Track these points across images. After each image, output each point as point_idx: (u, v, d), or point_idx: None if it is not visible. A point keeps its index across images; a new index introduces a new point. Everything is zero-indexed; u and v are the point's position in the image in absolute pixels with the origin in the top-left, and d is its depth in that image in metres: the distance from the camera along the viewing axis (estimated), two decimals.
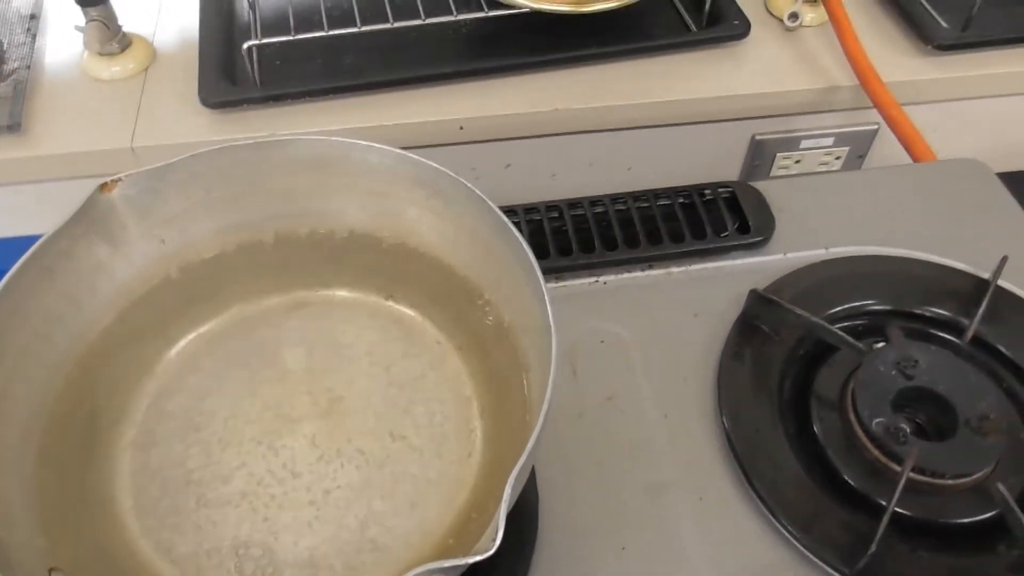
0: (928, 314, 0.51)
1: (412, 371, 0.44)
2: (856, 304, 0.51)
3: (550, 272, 0.53)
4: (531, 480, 0.44)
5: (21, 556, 0.31)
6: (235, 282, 0.45)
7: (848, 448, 0.45)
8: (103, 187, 0.39)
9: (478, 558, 0.29)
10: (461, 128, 0.69)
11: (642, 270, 0.54)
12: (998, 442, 0.43)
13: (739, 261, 0.55)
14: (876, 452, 0.44)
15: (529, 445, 0.31)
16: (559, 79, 0.71)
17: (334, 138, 0.42)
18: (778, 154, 0.77)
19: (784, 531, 0.43)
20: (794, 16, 0.74)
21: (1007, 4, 0.75)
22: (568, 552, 0.43)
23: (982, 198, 0.59)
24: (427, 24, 0.70)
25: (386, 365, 0.44)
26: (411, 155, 0.41)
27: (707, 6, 0.74)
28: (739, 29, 0.73)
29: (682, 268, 0.54)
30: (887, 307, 0.51)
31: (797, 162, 0.77)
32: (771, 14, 0.77)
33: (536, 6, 0.68)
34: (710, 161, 0.77)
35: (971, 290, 0.51)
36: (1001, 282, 0.51)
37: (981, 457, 0.43)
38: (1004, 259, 0.52)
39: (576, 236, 0.54)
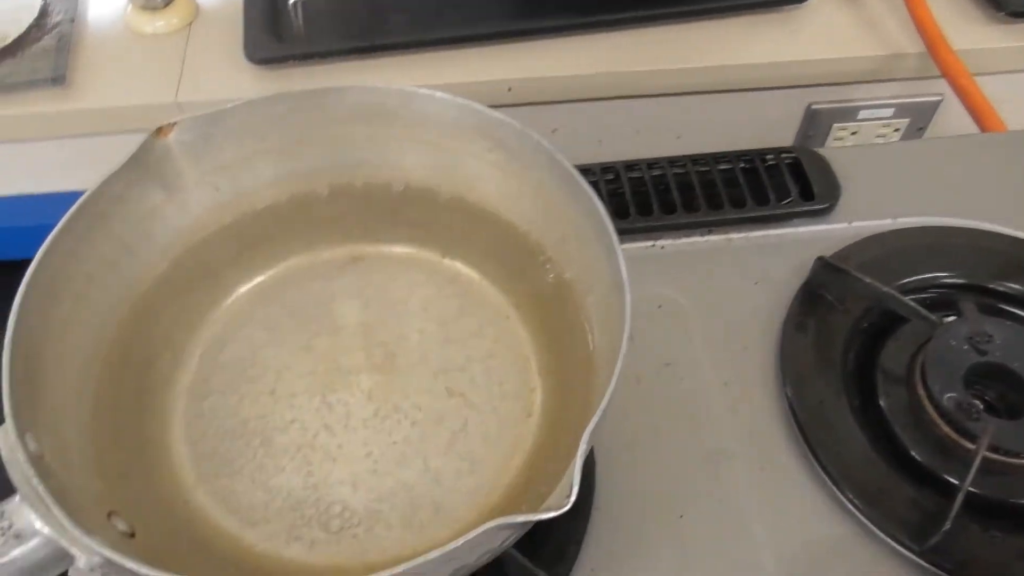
0: (1002, 288, 0.49)
1: (469, 328, 0.42)
2: (926, 276, 0.49)
3: None
4: None
5: (80, 499, 0.31)
6: (289, 234, 0.44)
7: (916, 423, 0.43)
8: (159, 131, 0.38)
9: (552, 514, 0.28)
10: (509, 90, 0.67)
11: (701, 235, 0.53)
12: None
13: (802, 229, 0.53)
14: (947, 428, 0.42)
15: (604, 400, 0.29)
16: (610, 41, 0.69)
17: (393, 86, 0.40)
18: (834, 125, 0.74)
19: (850, 505, 0.41)
20: None
21: None
22: (625, 517, 0.41)
23: None
24: None
25: (442, 322, 0.43)
26: (474, 104, 0.40)
27: None
28: None
29: (742, 234, 0.52)
30: (959, 280, 0.49)
31: (853, 133, 0.75)
32: None
33: None
34: (763, 131, 0.75)
35: None
36: None
37: None
38: None
39: (633, 198, 0.53)
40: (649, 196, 0.53)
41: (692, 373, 0.47)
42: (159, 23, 0.69)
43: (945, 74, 0.64)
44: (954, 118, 0.73)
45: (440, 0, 0.70)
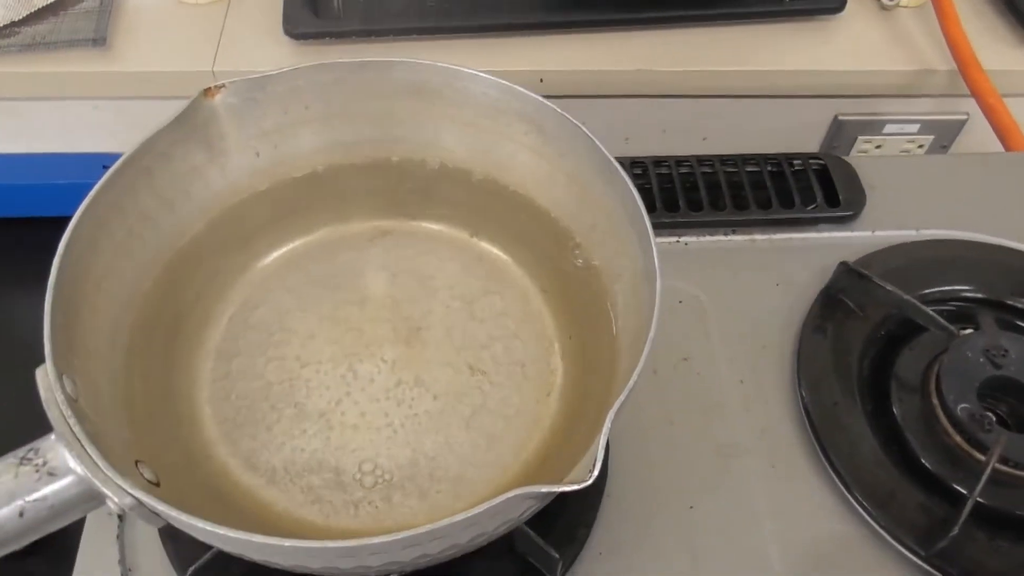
0: (1020, 305, 0.49)
1: (494, 307, 0.43)
2: (947, 288, 0.50)
3: None
4: None
5: (111, 444, 0.31)
6: (323, 204, 0.44)
7: (928, 432, 0.44)
8: (207, 92, 0.39)
9: (575, 487, 0.28)
10: (541, 81, 0.68)
11: (725, 234, 0.53)
12: None
13: (825, 234, 0.53)
14: (958, 438, 0.43)
15: (632, 378, 0.30)
16: (644, 39, 0.70)
17: (439, 63, 0.41)
18: (860, 137, 0.75)
19: (858, 507, 0.42)
20: None
21: None
22: (635, 505, 0.42)
23: None
24: None
25: (468, 300, 0.43)
26: (517, 88, 0.40)
27: None
28: (833, 3, 0.71)
29: (766, 236, 0.53)
30: (979, 294, 0.50)
31: (878, 147, 0.75)
32: None
33: None
34: (788, 138, 0.75)
35: None
36: None
37: None
38: None
39: (660, 194, 0.53)
40: (676, 193, 0.54)
41: (709, 369, 0.47)
42: None
43: (974, 93, 0.65)
44: (978, 138, 0.73)
45: None
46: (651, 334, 0.32)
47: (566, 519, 0.40)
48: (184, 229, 0.40)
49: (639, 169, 0.55)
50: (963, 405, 0.43)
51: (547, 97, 0.70)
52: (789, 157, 0.56)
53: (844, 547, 0.41)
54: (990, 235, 0.52)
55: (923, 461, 0.43)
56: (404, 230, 0.46)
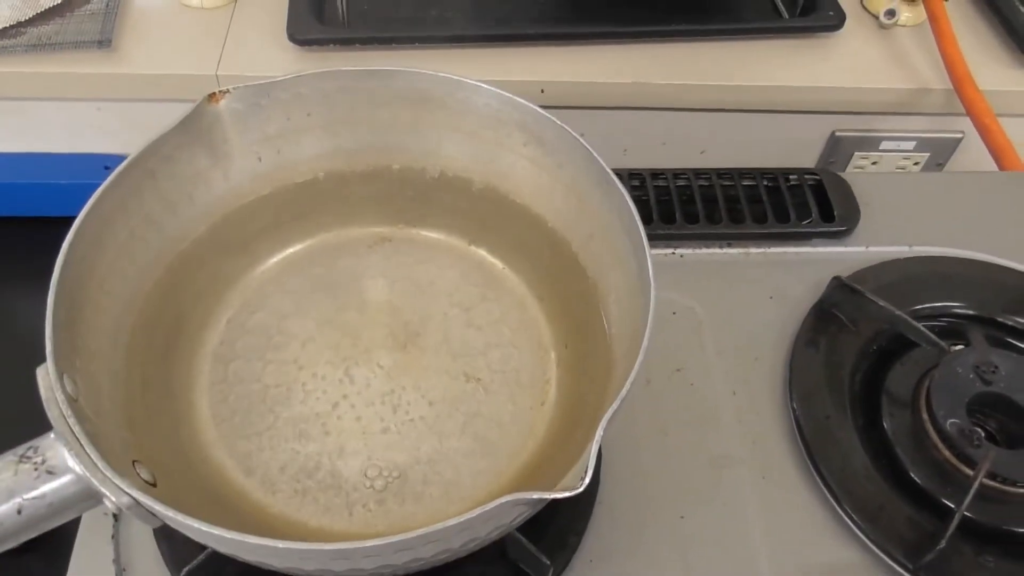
0: (1010, 322, 0.50)
1: (491, 315, 0.43)
2: (938, 304, 0.50)
3: None
4: None
5: (109, 445, 0.32)
6: (324, 210, 0.45)
7: (918, 446, 0.44)
8: (211, 97, 0.39)
9: (566, 494, 0.29)
10: (542, 91, 0.68)
11: (720, 247, 0.54)
12: None
13: (820, 249, 0.54)
14: (947, 453, 0.43)
15: (625, 387, 0.30)
16: (644, 52, 0.70)
17: (441, 74, 0.42)
18: (856, 153, 0.75)
19: (848, 519, 0.42)
20: (891, 13, 0.72)
21: None
22: (626, 513, 0.42)
23: None
24: None
25: (465, 307, 0.44)
26: (518, 99, 0.41)
27: None
28: (833, 20, 0.72)
29: (761, 249, 0.54)
30: (970, 311, 0.50)
31: (874, 163, 0.76)
32: (866, 9, 0.76)
33: None
34: (785, 153, 0.76)
35: None
36: None
37: None
38: None
39: (657, 206, 0.54)
40: (673, 205, 0.54)
41: (702, 380, 0.48)
42: None
43: (969, 112, 0.66)
44: (973, 156, 0.74)
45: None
46: (644, 343, 0.32)
47: (558, 526, 0.41)
48: (186, 232, 0.41)
49: (636, 181, 0.55)
50: (952, 420, 0.44)
51: (547, 108, 0.70)
52: (785, 172, 0.56)
53: (833, 559, 0.42)
54: (982, 253, 0.53)
55: (912, 475, 0.43)
56: (404, 237, 0.46)
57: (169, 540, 0.39)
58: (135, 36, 0.68)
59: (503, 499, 0.28)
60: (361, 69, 0.41)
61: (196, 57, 0.67)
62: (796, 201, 0.55)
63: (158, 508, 0.28)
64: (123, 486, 0.28)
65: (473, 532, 0.30)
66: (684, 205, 0.54)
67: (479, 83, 0.41)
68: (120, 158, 0.73)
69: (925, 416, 0.44)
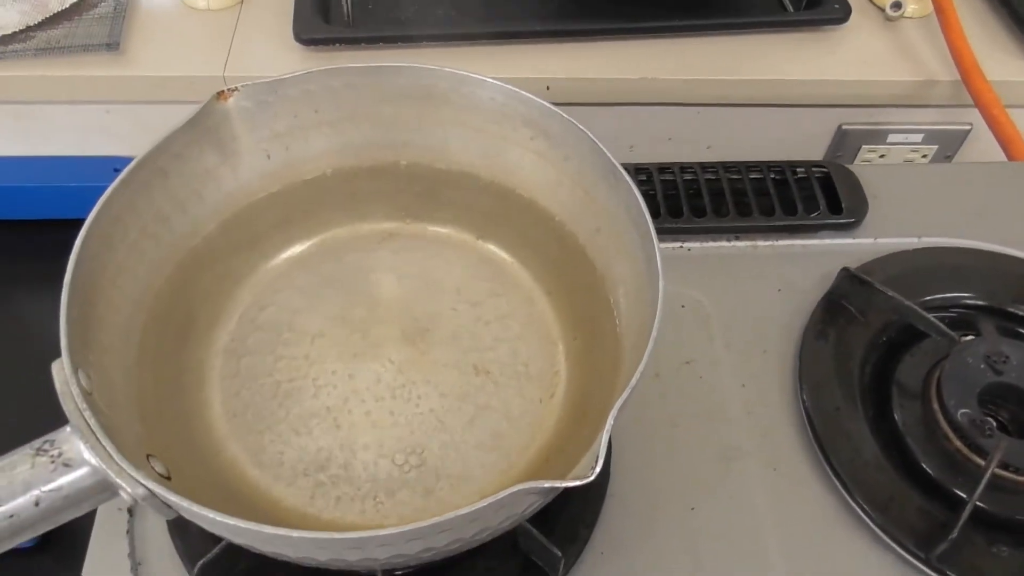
0: (1021, 313, 0.50)
1: (499, 309, 0.44)
2: (948, 295, 0.50)
3: None
4: None
5: (124, 438, 0.32)
6: (331, 206, 0.45)
7: (929, 437, 0.44)
8: (220, 95, 0.40)
9: (577, 483, 0.29)
10: (548, 88, 0.69)
11: (728, 240, 0.54)
12: None
13: (828, 241, 0.54)
14: (959, 443, 0.43)
15: (635, 377, 0.31)
16: (650, 48, 0.70)
17: (446, 69, 0.42)
18: (863, 146, 0.75)
19: (859, 510, 0.42)
20: (897, 5, 0.72)
21: None
22: (637, 505, 0.43)
23: None
24: None
25: (473, 301, 0.44)
26: (523, 93, 0.41)
27: None
28: (838, 14, 0.71)
29: (769, 242, 0.54)
30: (980, 302, 0.50)
31: (882, 156, 0.76)
32: (872, 2, 0.75)
33: None
34: (792, 147, 0.76)
35: None
36: None
37: None
38: None
39: (664, 201, 0.54)
40: (680, 199, 0.54)
41: (711, 372, 0.48)
42: None
43: (977, 103, 0.65)
44: (982, 148, 0.74)
45: None
46: (653, 334, 0.32)
47: (569, 518, 0.41)
48: (196, 229, 0.41)
49: (643, 175, 0.55)
50: (964, 410, 0.43)
51: (554, 104, 0.71)
52: (792, 165, 0.56)
53: (845, 550, 0.42)
54: (991, 243, 0.53)
55: (924, 465, 0.43)
56: (411, 232, 0.46)
57: (183, 534, 0.39)
58: (143, 39, 0.68)
59: (515, 487, 0.28)
60: (367, 66, 0.41)
61: (203, 59, 0.67)
62: (803, 194, 0.55)
63: (174, 499, 0.28)
64: (139, 477, 0.28)
65: (485, 521, 0.30)
66: (691, 199, 0.54)
67: (484, 77, 0.41)
68: (129, 160, 0.74)
69: (936, 406, 0.44)
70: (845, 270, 0.49)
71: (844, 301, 0.49)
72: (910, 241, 0.53)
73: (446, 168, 0.45)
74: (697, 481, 0.44)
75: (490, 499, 0.28)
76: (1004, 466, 0.42)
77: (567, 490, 0.29)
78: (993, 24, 0.74)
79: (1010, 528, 0.42)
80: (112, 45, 0.66)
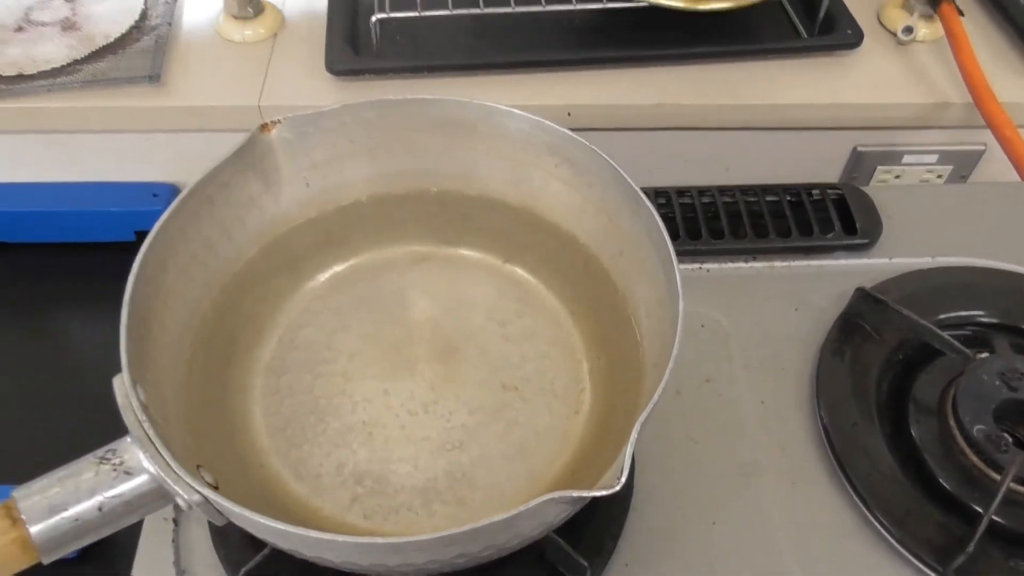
0: None
1: (526, 329, 0.46)
2: (962, 313, 0.51)
3: None
4: None
5: (176, 449, 0.34)
6: (367, 230, 0.47)
7: (945, 453, 0.45)
8: (264, 127, 0.42)
9: (604, 492, 0.30)
10: (569, 114, 0.71)
11: (745, 261, 0.55)
12: None
13: (843, 261, 0.55)
14: (975, 459, 0.44)
15: (658, 391, 0.32)
16: (668, 74, 0.73)
17: (475, 101, 0.44)
18: (879, 167, 0.77)
19: (877, 524, 0.43)
20: (908, 30, 0.74)
21: None
22: (659, 519, 0.44)
23: None
24: (547, 11, 0.72)
25: (501, 321, 0.46)
26: (548, 122, 0.43)
27: (820, 14, 0.75)
28: (851, 39, 0.73)
29: (786, 263, 0.55)
30: (994, 320, 0.51)
31: (897, 177, 0.77)
32: (884, 27, 0.77)
33: (654, 0, 0.70)
34: (809, 168, 0.78)
35: None
36: None
37: None
38: None
39: (683, 223, 0.56)
40: (698, 221, 0.56)
41: (730, 390, 0.49)
42: (248, 32, 0.74)
43: (990, 124, 0.67)
44: (997, 168, 0.75)
45: (511, 26, 0.74)
46: (674, 354, 0.34)
47: (594, 530, 0.42)
48: (240, 254, 0.43)
49: (663, 199, 0.57)
50: (979, 426, 0.45)
51: (575, 130, 0.73)
52: (808, 187, 0.58)
53: (863, 564, 0.43)
54: (1005, 262, 0.54)
55: (940, 480, 0.44)
56: (442, 256, 0.48)
57: (226, 543, 0.41)
58: (182, 70, 0.71)
59: (546, 496, 0.30)
60: (401, 98, 0.44)
61: (239, 89, 0.70)
62: (819, 215, 0.56)
63: (227, 505, 0.30)
64: (195, 485, 0.31)
65: (517, 529, 0.32)
66: (709, 221, 0.56)
67: (511, 109, 0.43)
68: (166, 186, 0.77)
69: (952, 423, 0.45)
70: (860, 289, 0.50)
71: (860, 320, 0.51)
72: (924, 261, 0.55)
73: (475, 194, 0.47)
74: (717, 496, 0.45)
75: (522, 507, 0.30)
76: (1020, 481, 0.43)
77: (594, 500, 0.31)
78: (1004, 45, 0.75)
79: None
80: (153, 77, 0.69)
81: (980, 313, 0.51)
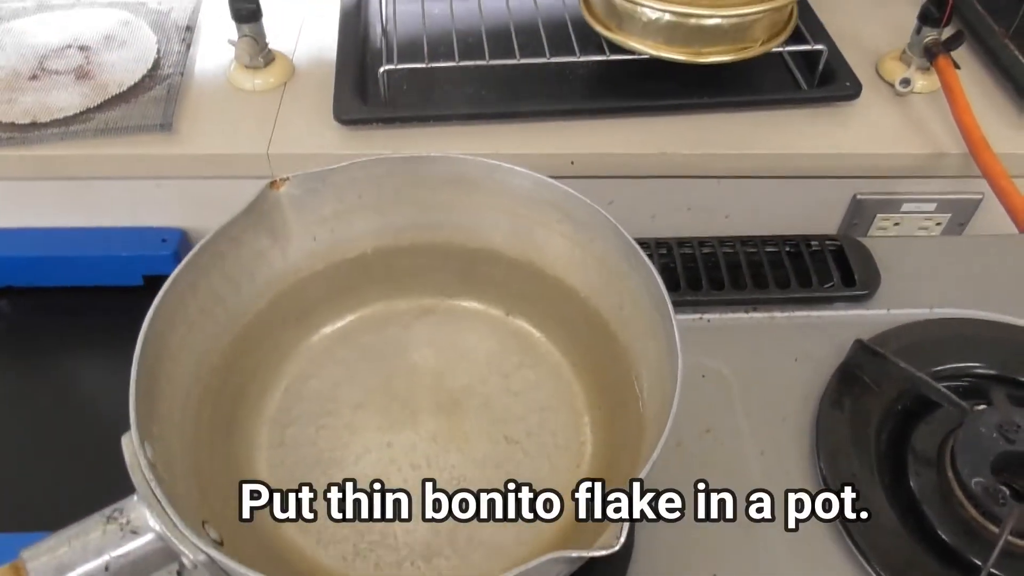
0: None
1: (528, 381, 0.46)
2: (959, 365, 0.52)
3: None
4: None
5: (183, 505, 0.35)
6: (372, 283, 0.48)
7: (944, 505, 0.46)
8: (273, 184, 0.43)
9: (602, 552, 0.31)
10: (572, 163, 0.72)
11: (746, 311, 0.56)
12: None
13: (842, 312, 0.56)
14: (973, 511, 0.45)
15: (657, 449, 0.33)
16: (669, 124, 0.74)
17: (479, 158, 0.45)
18: (878, 215, 0.78)
19: None
20: (906, 82, 0.76)
21: None
22: (661, 571, 0.44)
23: None
24: (551, 63, 0.74)
25: (504, 374, 0.47)
26: (549, 180, 0.45)
27: (820, 66, 0.77)
28: (850, 90, 0.75)
29: (785, 313, 0.56)
30: (991, 371, 0.52)
31: (896, 224, 0.78)
32: (882, 79, 0.79)
33: (655, 53, 0.72)
34: (809, 216, 0.79)
35: None
36: None
37: None
38: None
39: (684, 273, 0.57)
40: (699, 272, 0.57)
41: (731, 440, 0.50)
42: (258, 81, 0.76)
43: (986, 175, 0.68)
44: (994, 215, 0.76)
45: (516, 77, 0.76)
46: (673, 411, 0.35)
47: None
48: (248, 307, 0.44)
49: (664, 249, 0.58)
50: (977, 479, 0.45)
51: (577, 178, 0.75)
52: (807, 238, 0.59)
53: None
54: (1001, 314, 0.55)
55: (939, 533, 0.44)
56: (446, 308, 0.49)
57: None
58: (193, 118, 0.73)
59: (544, 557, 0.30)
60: (407, 156, 0.45)
61: (249, 137, 0.72)
62: (818, 266, 0.57)
63: (231, 565, 0.31)
64: (201, 544, 0.31)
65: None
66: (710, 271, 0.57)
67: (513, 167, 0.45)
68: (176, 231, 0.78)
69: (951, 475, 0.46)
70: (859, 342, 0.51)
71: (858, 371, 0.51)
72: (922, 312, 0.55)
73: (479, 247, 0.48)
74: (719, 546, 0.45)
75: (521, 567, 0.30)
76: (1018, 534, 0.43)
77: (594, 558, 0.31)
78: (999, 97, 0.77)
79: None
80: (165, 125, 0.71)
81: (977, 364, 0.52)
